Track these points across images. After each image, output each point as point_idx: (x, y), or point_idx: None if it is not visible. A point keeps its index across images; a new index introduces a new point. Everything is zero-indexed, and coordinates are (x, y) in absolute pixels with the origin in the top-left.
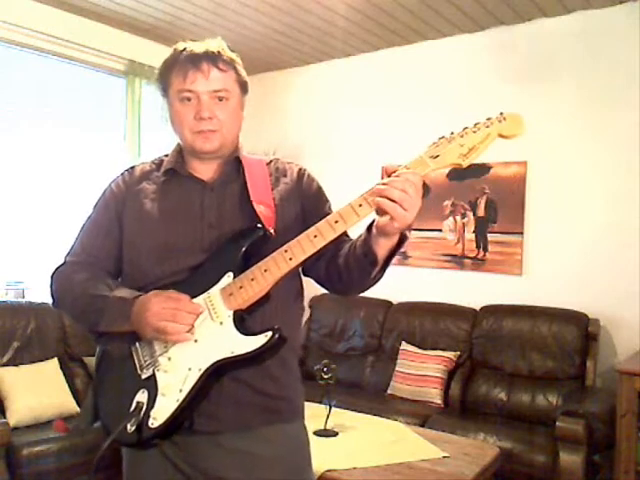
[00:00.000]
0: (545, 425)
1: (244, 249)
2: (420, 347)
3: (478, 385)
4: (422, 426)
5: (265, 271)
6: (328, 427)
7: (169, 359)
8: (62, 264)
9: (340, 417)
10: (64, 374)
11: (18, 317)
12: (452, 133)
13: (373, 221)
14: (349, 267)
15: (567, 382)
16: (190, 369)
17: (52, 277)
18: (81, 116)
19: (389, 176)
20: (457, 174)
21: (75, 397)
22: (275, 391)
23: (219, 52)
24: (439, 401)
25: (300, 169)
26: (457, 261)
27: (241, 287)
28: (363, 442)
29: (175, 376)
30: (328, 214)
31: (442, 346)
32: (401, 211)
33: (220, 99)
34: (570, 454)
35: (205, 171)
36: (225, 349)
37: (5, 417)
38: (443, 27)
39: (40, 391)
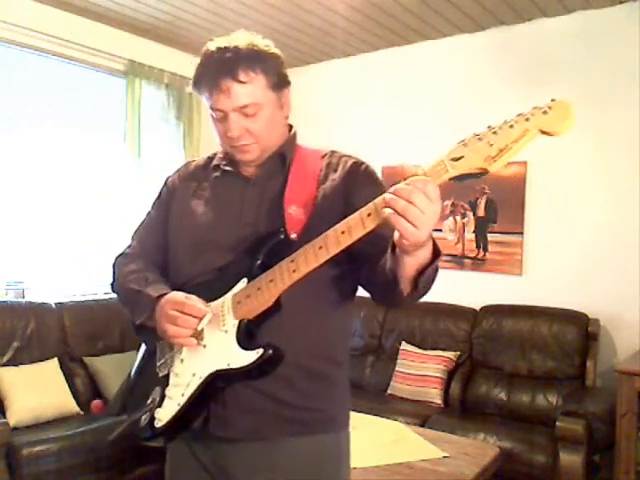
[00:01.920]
0: (545, 425)
1: (262, 254)
2: (420, 347)
3: (478, 385)
4: (422, 426)
5: (270, 281)
6: None
7: (182, 361)
8: (121, 254)
9: None
10: (64, 374)
11: (18, 317)
12: (490, 127)
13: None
14: (379, 282)
15: (567, 382)
16: (194, 375)
17: (113, 265)
18: (81, 116)
19: (405, 180)
20: None
21: (75, 397)
22: (297, 401)
23: (238, 58)
24: (439, 401)
25: (355, 162)
26: (457, 261)
27: (248, 296)
28: (363, 442)
29: (182, 380)
30: None
31: (442, 346)
32: (407, 225)
33: (247, 115)
34: (570, 454)
35: (252, 167)
36: (223, 360)
37: (5, 417)
38: (443, 27)
39: (40, 391)
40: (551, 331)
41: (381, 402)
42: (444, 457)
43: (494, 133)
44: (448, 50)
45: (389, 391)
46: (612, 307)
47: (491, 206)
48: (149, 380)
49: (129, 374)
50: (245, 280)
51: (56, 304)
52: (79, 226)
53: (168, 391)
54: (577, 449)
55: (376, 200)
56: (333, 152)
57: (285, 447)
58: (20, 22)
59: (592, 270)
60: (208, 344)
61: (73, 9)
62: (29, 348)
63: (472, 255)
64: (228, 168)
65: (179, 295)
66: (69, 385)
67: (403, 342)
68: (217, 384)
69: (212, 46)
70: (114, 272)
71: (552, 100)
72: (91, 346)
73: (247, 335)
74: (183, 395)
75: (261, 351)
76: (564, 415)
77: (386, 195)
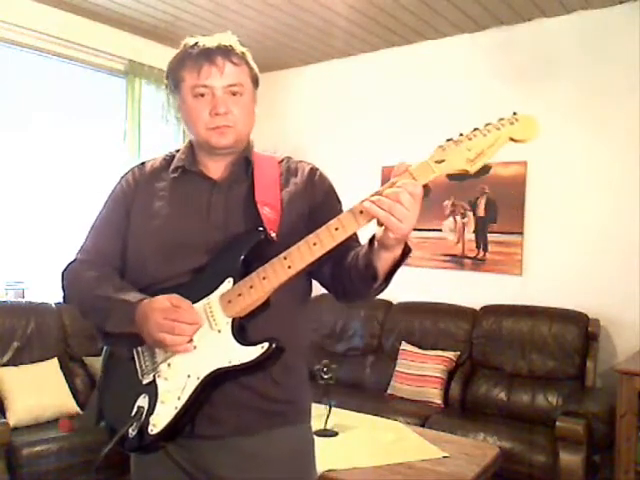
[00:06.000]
0: (545, 425)
1: (245, 253)
2: (420, 347)
3: (478, 385)
4: (422, 426)
5: (264, 279)
6: (328, 427)
7: (169, 365)
8: (73, 261)
9: (340, 417)
10: (64, 374)
11: (18, 317)
12: (461, 135)
13: (375, 234)
14: (351, 278)
15: (567, 382)
16: (189, 376)
17: (63, 274)
18: (81, 116)
19: (390, 179)
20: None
21: (75, 397)
22: (279, 395)
23: (231, 46)
24: (439, 401)
25: (312, 168)
26: (457, 261)
27: (240, 294)
28: (363, 442)
29: (174, 383)
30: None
31: (442, 346)
32: (394, 221)
33: (234, 94)
34: (570, 454)
35: (215, 169)
36: (223, 358)
37: (5, 417)
38: (443, 27)
39: (40, 391)
40: (551, 331)
41: (381, 402)
42: (444, 457)
43: (469, 139)
44: (448, 50)
45: (389, 391)
46: (612, 307)
47: (491, 206)
48: (126, 389)
49: (97, 385)
50: (231, 280)
51: (56, 304)
52: (79, 226)
53: (160, 396)
54: (577, 449)
55: (367, 199)
56: (289, 158)
57: (267, 439)
58: (20, 22)
59: (592, 270)
60: (198, 345)
61: (73, 9)
62: (29, 348)
63: (472, 255)
64: (193, 169)
65: (164, 302)
66: (69, 385)
67: (403, 342)
68: (216, 382)
69: (194, 40)
70: (68, 281)
71: (514, 113)
72: (91, 346)
73: (240, 332)
74: (180, 398)
75: (266, 345)
76: (564, 415)
77: (380, 197)
